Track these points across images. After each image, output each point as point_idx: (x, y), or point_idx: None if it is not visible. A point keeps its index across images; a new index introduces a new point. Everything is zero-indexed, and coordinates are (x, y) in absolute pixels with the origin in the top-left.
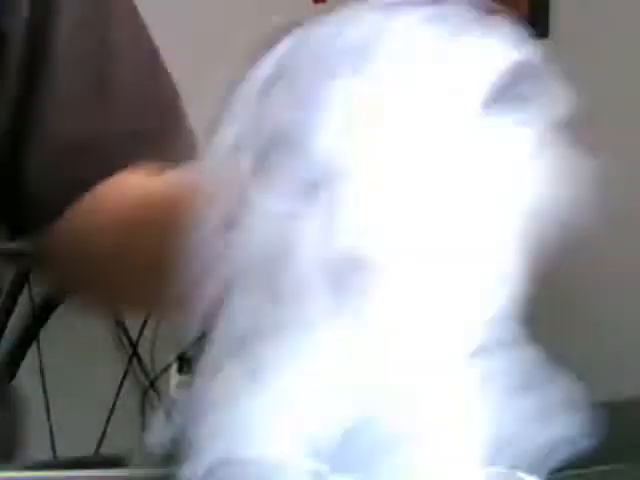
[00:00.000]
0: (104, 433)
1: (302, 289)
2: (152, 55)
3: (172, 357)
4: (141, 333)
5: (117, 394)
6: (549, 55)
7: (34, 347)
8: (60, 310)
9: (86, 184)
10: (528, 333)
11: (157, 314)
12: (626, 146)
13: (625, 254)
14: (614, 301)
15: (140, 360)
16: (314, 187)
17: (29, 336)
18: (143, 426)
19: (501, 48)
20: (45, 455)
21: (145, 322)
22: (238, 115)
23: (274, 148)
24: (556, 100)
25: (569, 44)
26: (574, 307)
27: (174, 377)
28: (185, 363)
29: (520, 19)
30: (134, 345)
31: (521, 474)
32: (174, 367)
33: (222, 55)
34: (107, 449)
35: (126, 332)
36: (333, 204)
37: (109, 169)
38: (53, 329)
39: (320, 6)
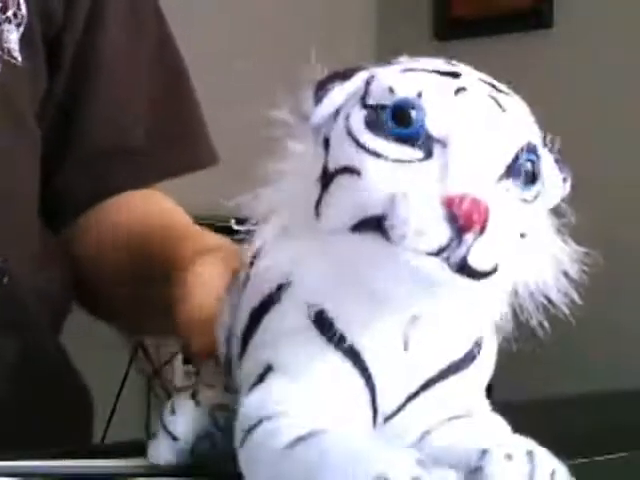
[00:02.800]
0: (109, 423)
1: (418, 225)
2: (175, 65)
3: (177, 347)
4: None
5: (122, 384)
6: (553, 45)
7: None
8: None
9: (111, 189)
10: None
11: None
12: (629, 137)
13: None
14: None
15: (145, 350)
16: (429, 145)
17: None
18: (148, 416)
19: (522, 123)
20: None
21: None
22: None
23: (389, 114)
24: (555, 185)
25: (573, 35)
26: None
27: (179, 367)
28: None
29: (525, 10)
30: None
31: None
32: (179, 357)
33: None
34: (112, 439)
35: None
36: (446, 158)
37: (134, 176)
38: None
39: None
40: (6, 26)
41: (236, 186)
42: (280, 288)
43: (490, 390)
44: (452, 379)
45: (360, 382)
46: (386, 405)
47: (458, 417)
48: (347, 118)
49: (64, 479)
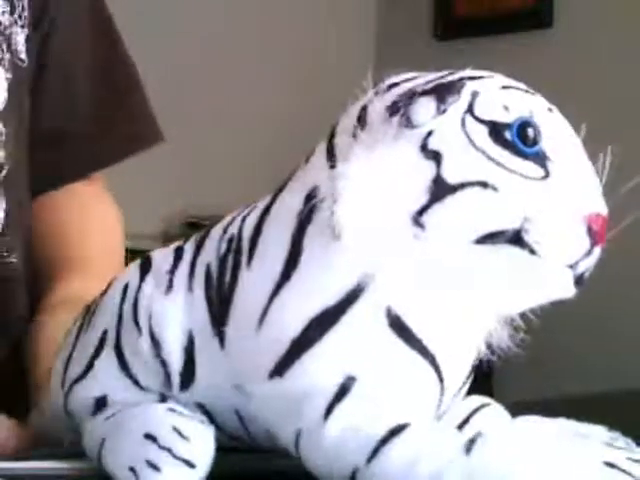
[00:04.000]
0: None
1: (564, 239)
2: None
3: None
4: None
5: None
6: (553, 45)
7: None
8: None
9: (63, 176)
10: None
11: None
12: (629, 137)
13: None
14: None
15: None
16: (545, 160)
17: None
18: None
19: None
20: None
21: None
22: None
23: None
24: None
25: (573, 35)
26: None
27: None
28: None
29: (525, 10)
30: None
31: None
32: None
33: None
34: None
35: None
36: (567, 174)
37: (83, 162)
38: None
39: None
40: (14, 28)
41: (236, 186)
42: (356, 294)
43: (491, 391)
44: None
45: (438, 385)
46: (446, 402)
47: (482, 406)
48: (462, 132)
49: (64, 479)
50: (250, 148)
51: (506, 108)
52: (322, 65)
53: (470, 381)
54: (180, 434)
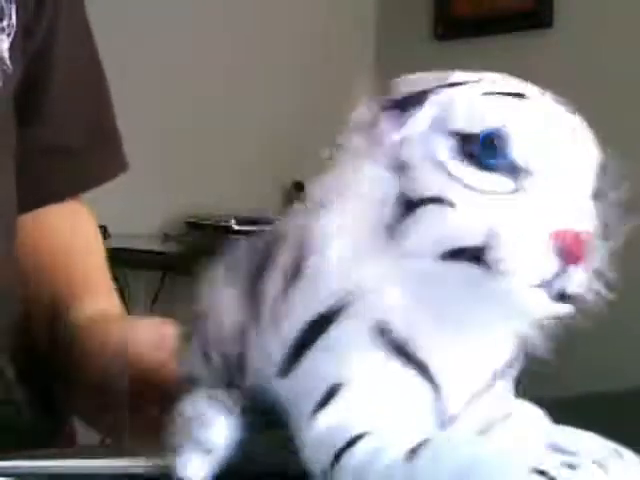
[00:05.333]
0: None
1: (527, 259)
2: (101, 76)
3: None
4: None
5: None
6: (553, 45)
7: None
8: None
9: (52, 193)
10: None
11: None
12: (629, 137)
13: None
14: None
15: None
16: (518, 174)
17: None
18: None
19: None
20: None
21: (150, 311)
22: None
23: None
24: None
25: (573, 35)
26: None
27: None
28: None
29: (525, 10)
30: None
31: None
32: None
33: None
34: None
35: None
36: (540, 189)
37: (74, 180)
38: None
39: None
40: (1, 36)
41: (236, 186)
42: (343, 304)
43: None
44: (500, 382)
45: (430, 395)
46: (450, 411)
47: (505, 417)
48: (429, 144)
49: (64, 479)
50: (250, 149)
51: (476, 119)
52: (322, 65)
53: (502, 386)
54: (202, 420)
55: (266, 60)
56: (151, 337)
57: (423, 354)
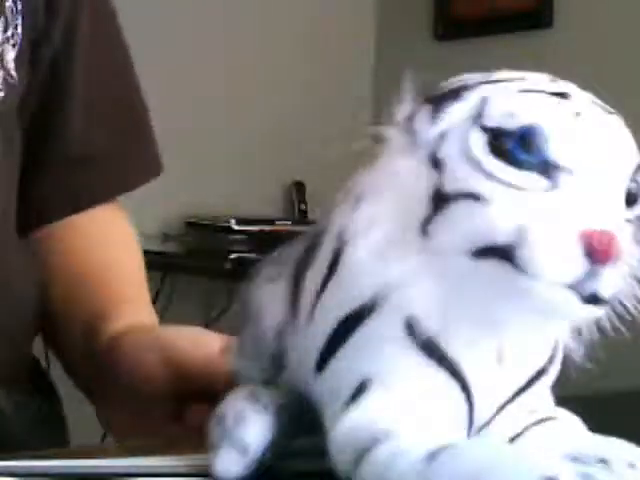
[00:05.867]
0: None
1: (555, 258)
2: (127, 66)
3: None
4: None
5: None
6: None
7: (40, 337)
8: None
9: (83, 202)
10: None
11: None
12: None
13: None
14: None
15: None
16: (553, 172)
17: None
18: None
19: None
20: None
21: (153, 305)
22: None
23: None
24: None
25: (573, 35)
26: None
27: None
28: None
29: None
30: None
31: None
32: None
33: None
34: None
35: None
36: (574, 188)
37: (103, 187)
38: None
39: None
40: (5, 46)
41: (236, 186)
42: (375, 300)
43: None
44: (536, 386)
45: (461, 396)
46: (481, 416)
47: (542, 420)
48: (465, 140)
49: (63, 479)
50: (250, 148)
51: (512, 115)
52: (322, 66)
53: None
54: (239, 418)
55: (266, 60)
56: (192, 338)
57: (454, 354)
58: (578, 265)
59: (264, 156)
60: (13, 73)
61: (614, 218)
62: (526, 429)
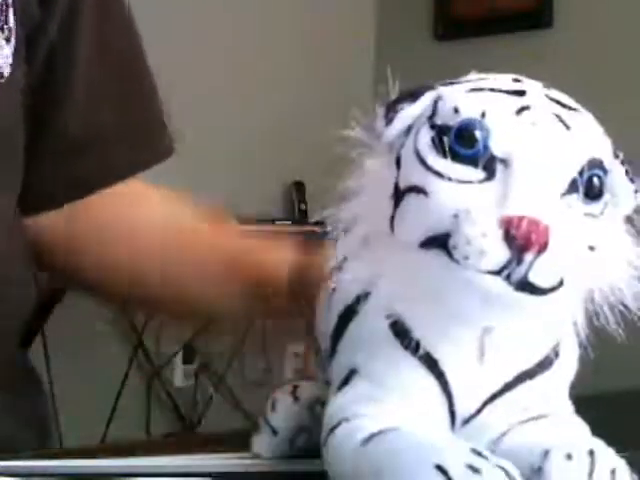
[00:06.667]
0: (109, 422)
1: (478, 245)
2: (136, 52)
3: (177, 347)
4: (146, 323)
5: (122, 384)
6: (553, 45)
7: (39, 337)
8: (65, 300)
9: (87, 183)
10: None
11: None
12: (630, 138)
13: None
14: None
15: (145, 350)
16: (492, 165)
17: (34, 326)
18: (148, 416)
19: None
20: (50, 445)
21: None
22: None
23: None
24: (627, 196)
25: (573, 35)
26: None
27: (179, 367)
28: (190, 353)
29: (525, 10)
30: (139, 335)
31: None
32: (179, 357)
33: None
34: (112, 439)
35: (131, 322)
36: (508, 179)
37: (108, 171)
38: (58, 319)
39: None
40: None
41: (236, 186)
42: (360, 298)
43: None
44: (529, 383)
45: (437, 388)
46: (464, 409)
47: (535, 418)
48: (416, 137)
49: (63, 479)
50: (250, 148)
51: (456, 111)
52: (322, 65)
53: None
54: (274, 406)
55: (266, 60)
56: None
57: (432, 348)
58: (499, 252)
59: (264, 156)
60: (8, 70)
61: (545, 206)
62: (515, 426)
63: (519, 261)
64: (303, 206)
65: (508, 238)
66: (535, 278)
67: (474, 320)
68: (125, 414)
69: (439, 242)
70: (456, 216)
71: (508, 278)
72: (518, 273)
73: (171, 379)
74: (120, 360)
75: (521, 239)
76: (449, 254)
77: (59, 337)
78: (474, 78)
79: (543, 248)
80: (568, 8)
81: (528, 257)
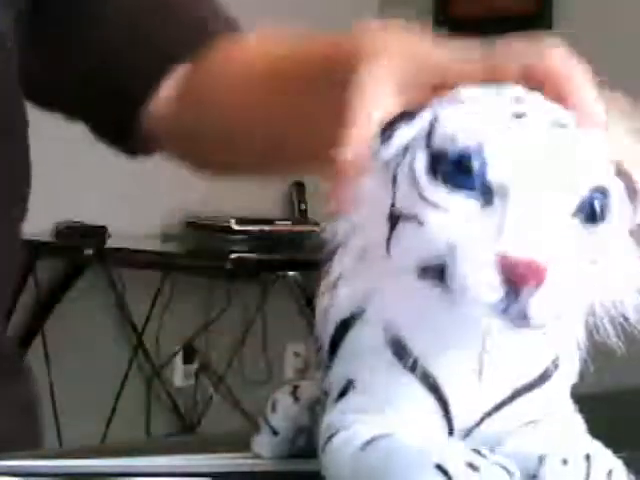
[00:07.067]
0: (109, 423)
1: (474, 280)
2: None
3: (177, 347)
4: (146, 323)
5: (122, 384)
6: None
7: (39, 337)
8: (65, 300)
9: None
10: None
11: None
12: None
13: None
14: None
15: (145, 350)
16: (489, 195)
17: (34, 326)
18: (148, 416)
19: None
20: (50, 445)
21: (150, 312)
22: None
23: (451, 164)
24: (627, 213)
25: (573, 35)
26: None
27: (179, 367)
28: (190, 353)
29: (525, 11)
30: (139, 335)
31: None
32: (179, 357)
33: None
34: (112, 439)
35: (131, 322)
36: (505, 210)
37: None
38: (58, 319)
39: None
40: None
41: (236, 186)
42: (356, 312)
43: None
44: (528, 396)
45: (435, 405)
46: (462, 423)
47: (533, 422)
48: (412, 160)
49: (63, 479)
50: None
51: (453, 138)
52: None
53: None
54: (273, 407)
55: None
56: None
57: (430, 366)
58: (496, 288)
59: None
60: (10, 41)
61: (545, 239)
62: (514, 431)
63: (516, 297)
64: (303, 206)
65: (504, 276)
66: (534, 313)
67: (472, 345)
68: (125, 414)
69: (435, 271)
70: (452, 249)
71: (506, 311)
72: (515, 308)
73: (171, 379)
74: (120, 360)
75: (517, 278)
76: (445, 283)
77: (59, 337)
78: (474, 95)
79: (539, 285)
80: (568, 10)
81: (525, 294)
